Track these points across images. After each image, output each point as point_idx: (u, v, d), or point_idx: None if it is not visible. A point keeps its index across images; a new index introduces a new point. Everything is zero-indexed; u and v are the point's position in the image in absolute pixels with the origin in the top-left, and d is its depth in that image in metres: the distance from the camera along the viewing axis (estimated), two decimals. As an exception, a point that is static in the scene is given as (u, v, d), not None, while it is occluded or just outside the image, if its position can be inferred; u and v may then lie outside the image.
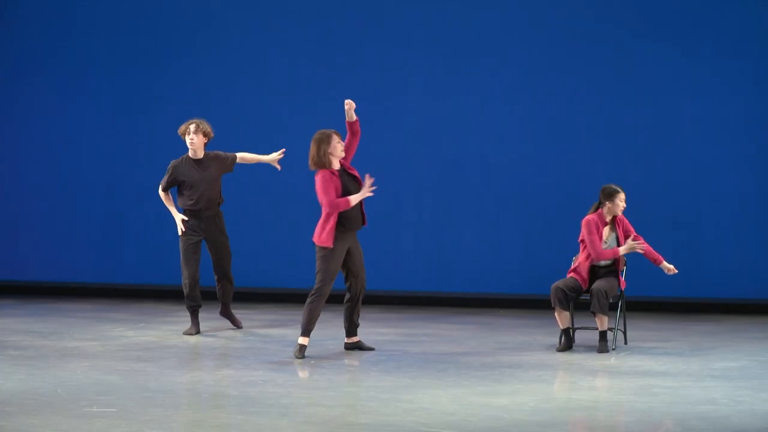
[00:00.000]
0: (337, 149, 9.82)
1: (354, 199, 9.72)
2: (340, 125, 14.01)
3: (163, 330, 11.30)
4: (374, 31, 13.86)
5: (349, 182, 9.84)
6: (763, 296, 13.03)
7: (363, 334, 10.88)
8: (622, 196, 10.28)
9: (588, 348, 10.17)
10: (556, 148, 13.41)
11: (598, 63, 13.31)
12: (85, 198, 14.58)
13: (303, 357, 9.68)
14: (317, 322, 9.86)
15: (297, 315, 12.65)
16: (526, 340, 10.76)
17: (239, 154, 11.18)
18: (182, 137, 11.07)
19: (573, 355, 9.88)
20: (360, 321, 10.15)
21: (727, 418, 7.29)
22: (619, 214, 10.29)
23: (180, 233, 10.96)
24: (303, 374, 9.00)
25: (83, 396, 7.86)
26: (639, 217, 13.28)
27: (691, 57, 13.12)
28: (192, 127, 10.97)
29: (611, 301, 10.01)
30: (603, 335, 10.02)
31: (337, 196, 9.69)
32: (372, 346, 10.17)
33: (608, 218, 10.28)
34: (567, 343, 10.09)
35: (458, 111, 13.65)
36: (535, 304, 13.20)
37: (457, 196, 13.61)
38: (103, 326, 11.55)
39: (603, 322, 9.99)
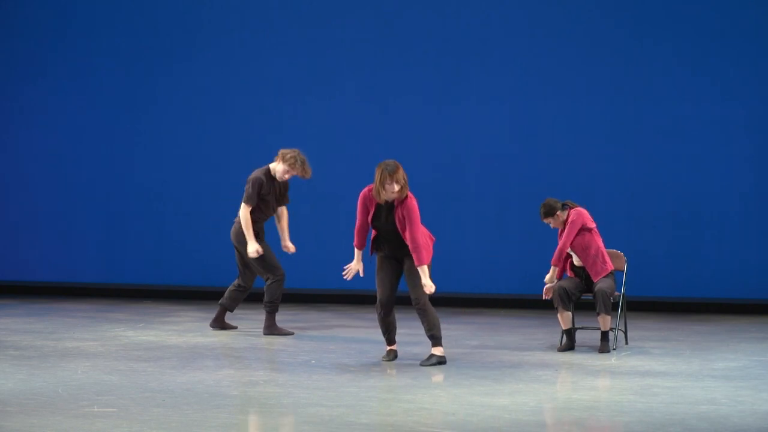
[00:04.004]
0: (385, 191, 9.06)
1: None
2: (339, 124, 14.06)
3: (163, 330, 11.30)
4: (374, 32, 13.85)
5: (385, 210, 9.23)
6: (763, 296, 13.02)
7: (363, 334, 10.87)
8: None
9: (588, 348, 10.17)
10: (556, 148, 13.40)
11: (598, 64, 13.31)
12: (85, 198, 14.58)
13: (389, 359, 9.52)
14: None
15: (296, 315, 12.65)
16: (526, 340, 10.75)
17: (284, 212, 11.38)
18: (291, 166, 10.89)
19: (573, 355, 9.87)
20: (429, 330, 9.42)
21: (728, 418, 7.29)
22: (558, 227, 10.22)
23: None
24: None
25: (83, 396, 7.85)
26: (639, 217, 13.31)
27: (691, 58, 13.11)
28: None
29: (612, 300, 10.01)
30: (605, 335, 10.00)
31: (363, 225, 9.31)
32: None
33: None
34: (569, 344, 10.08)
35: (458, 111, 13.64)
36: (535, 304, 13.18)
37: (457, 196, 13.61)
38: (103, 326, 11.55)
39: (606, 322, 9.97)
